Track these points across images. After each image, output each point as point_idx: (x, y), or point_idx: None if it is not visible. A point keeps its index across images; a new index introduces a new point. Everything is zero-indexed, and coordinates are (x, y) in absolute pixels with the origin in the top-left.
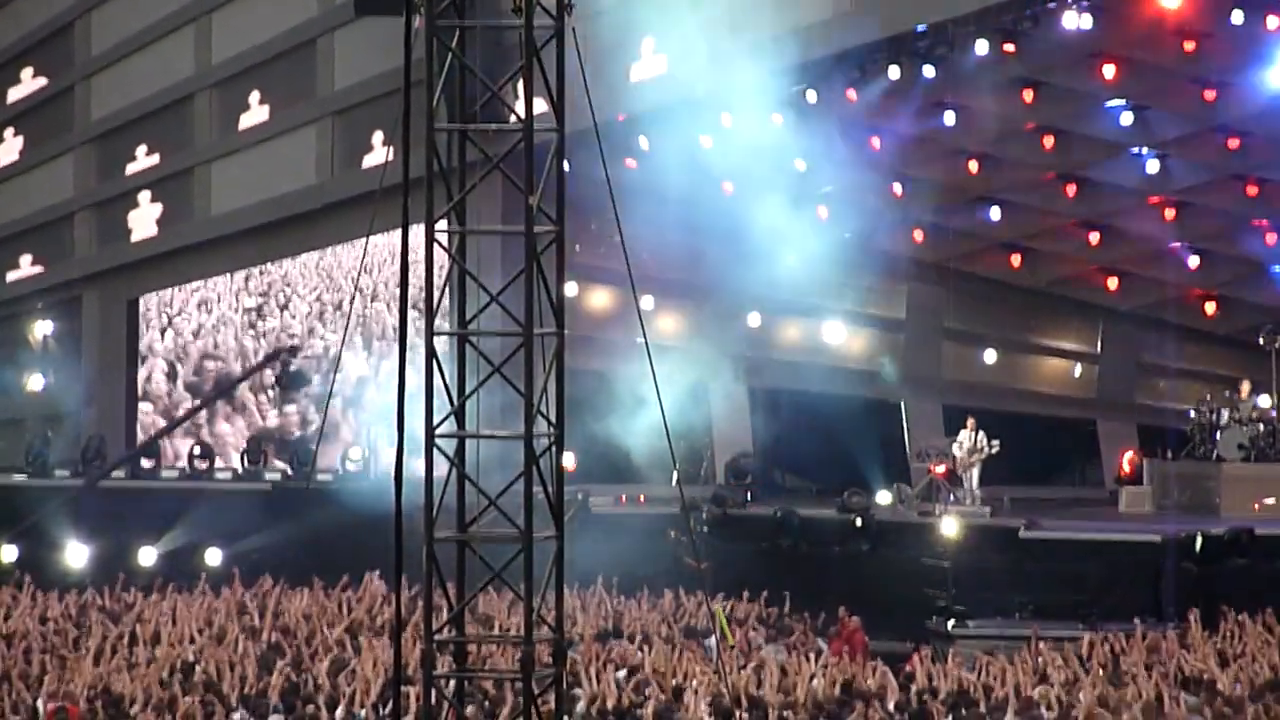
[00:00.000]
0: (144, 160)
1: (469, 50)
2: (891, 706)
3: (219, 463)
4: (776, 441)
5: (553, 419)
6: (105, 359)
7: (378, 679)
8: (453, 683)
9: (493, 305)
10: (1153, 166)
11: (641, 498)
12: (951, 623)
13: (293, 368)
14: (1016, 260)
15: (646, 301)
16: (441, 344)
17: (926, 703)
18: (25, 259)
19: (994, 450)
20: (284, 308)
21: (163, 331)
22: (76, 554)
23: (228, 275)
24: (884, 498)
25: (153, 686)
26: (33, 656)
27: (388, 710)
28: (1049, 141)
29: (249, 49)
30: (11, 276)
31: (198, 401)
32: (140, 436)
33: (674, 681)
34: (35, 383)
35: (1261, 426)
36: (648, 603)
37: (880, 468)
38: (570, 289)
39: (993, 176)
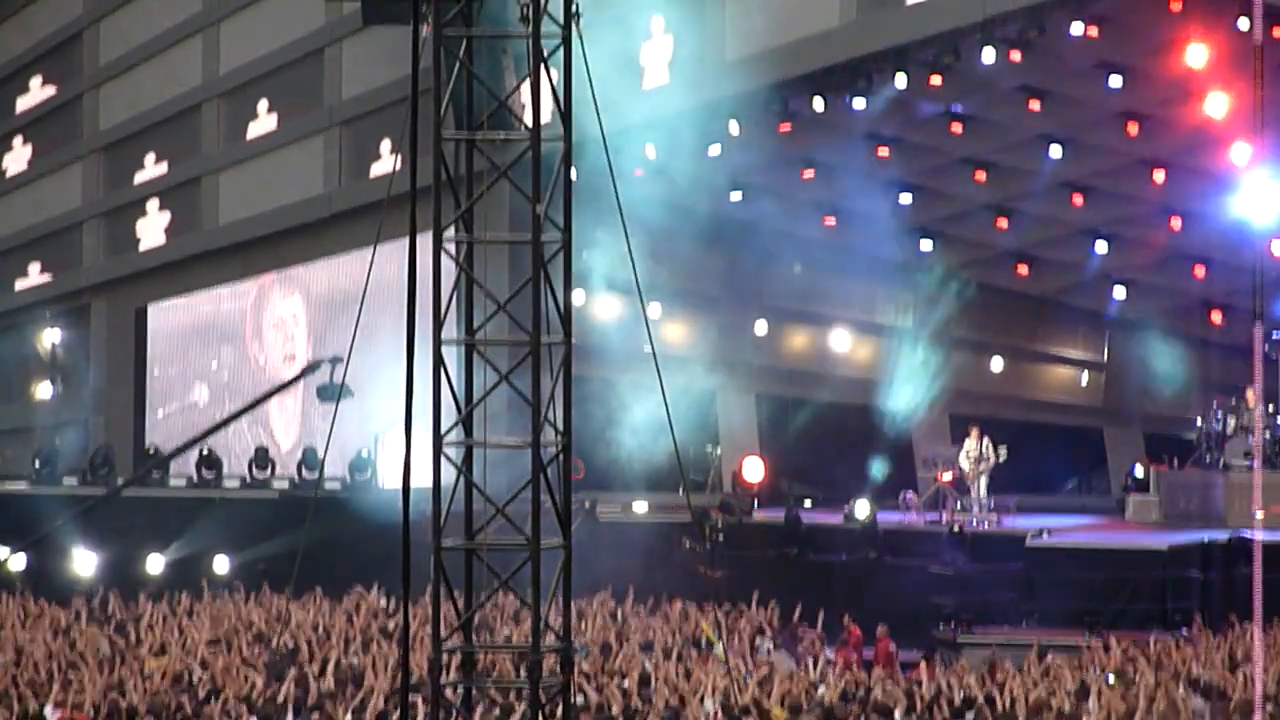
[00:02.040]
0: (152, 169)
1: (476, 59)
2: (899, 714)
3: (226, 471)
4: (783, 449)
5: (560, 427)
6: (113, 367)
7: (385, 687)
8: (460, 691)
9: (500, 314)
10: (1158, 176)
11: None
12: (959, 631)
13: (334, 378)
14: (1024, 269)
15: (654, 310)
16: (449, 353)
17: (935, 711)
18: (34, 267)
19: (1001, 458)
20: None
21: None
22: (85, 562)
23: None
24: (861, 509)
25: (160, 695)
26: (40, 665)
27: (396, 718)
28: (1055, 151)
29: (257, 58)
30: (20, 285)
31: (236, 408)
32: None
33: (680, 689)
34: (43, 391)
35: (1268, 434)
36: (654, 610)
37: (886, 476)
38: (578, 297)
39: (1000, 186)
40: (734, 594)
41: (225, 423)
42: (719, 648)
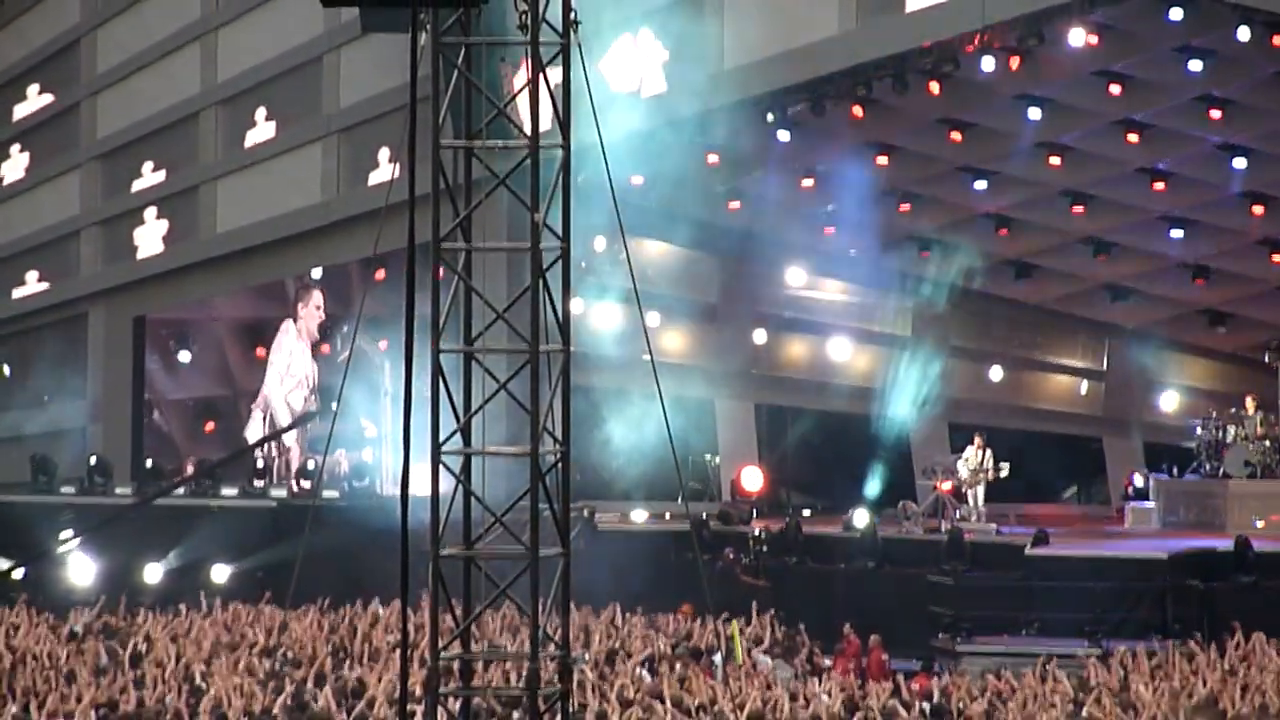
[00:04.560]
0: (150, 177)
1: (475, 67)
2: None
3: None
4: (782, 459)
5: (559, 436)
6: (111, 376)
7: (384, 697)
8: (459, 701)
9: (499, 322)
10: (1159, 186)
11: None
12: (958, 641)
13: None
14: (1023, 278)
15: (652, 319)
16: (448, 361)
17: None
18: (31, 276)
19: (1001, 474)
20: None
21: None
22: (83, 571)
23: None
24: (860, 519)
25: (158, 704)
26: (38, 675)
27: None
28: (1055, 160)
29: (255, 66)
30: (18, 294)
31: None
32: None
33: (679, 699)
34: (41, 400)
35: (1267, 444)
36: (653, 620)
37: (885, 485)
38: (576, 306)
39: (1000, 194)
40: (777, 604)
41: (221, 463)
42: (738, 652)
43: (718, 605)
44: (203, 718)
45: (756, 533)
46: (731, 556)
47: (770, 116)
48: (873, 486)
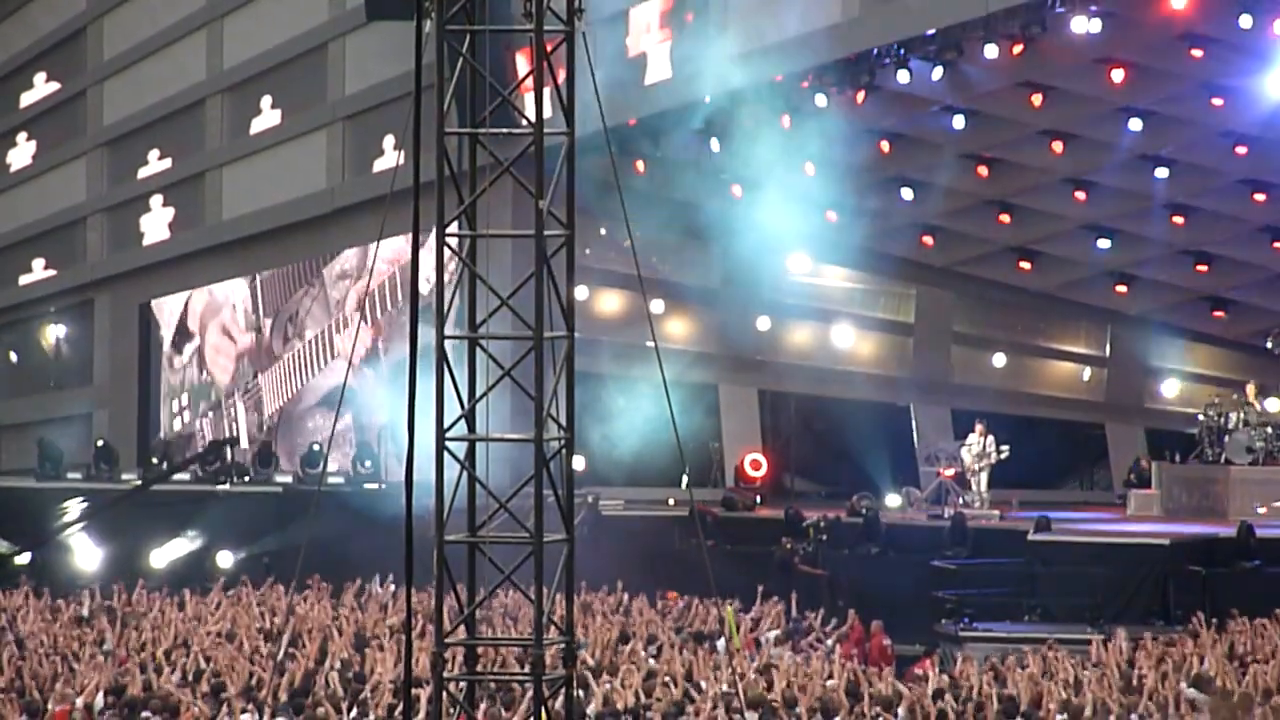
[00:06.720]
0: (156, 164)
1: (479, 54)
2: (903, 711)
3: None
4: (785, 445)
5: (563, 422)
6: (117, 362)
7: (389, 681)
8: (463, 685)
9: (503, 309)
10: (1161, 172)
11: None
12: (961, 626)
13: (230, 460)
14: (1026, 264)
15: (656, 305)
16: (452, 348)
17: (938, 707)
18: (38, 263)
19: (1003, 456)
20: None
21: None
22: (88, 556)
23: None
24: (893, 500)
25: (164, 688)
26: (45, 659)
27: (398, 712)
28: (1058, 146)
29: (260, 54)
30: (24, 280)
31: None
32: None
33: (683, 683)
34: (47, 386)
35: (1269, 430)
36: (657, 605)
37: (889, 471)
38: (580, 292)
39: (1002, 180)
40: (732, 588)
41: (154, 481)
42: (736, 640)
43: (776, 594)
44: (208, 702)
45: (815, 521)
46: (789, 546)
47: (773, 102)
48: (876, 473)
